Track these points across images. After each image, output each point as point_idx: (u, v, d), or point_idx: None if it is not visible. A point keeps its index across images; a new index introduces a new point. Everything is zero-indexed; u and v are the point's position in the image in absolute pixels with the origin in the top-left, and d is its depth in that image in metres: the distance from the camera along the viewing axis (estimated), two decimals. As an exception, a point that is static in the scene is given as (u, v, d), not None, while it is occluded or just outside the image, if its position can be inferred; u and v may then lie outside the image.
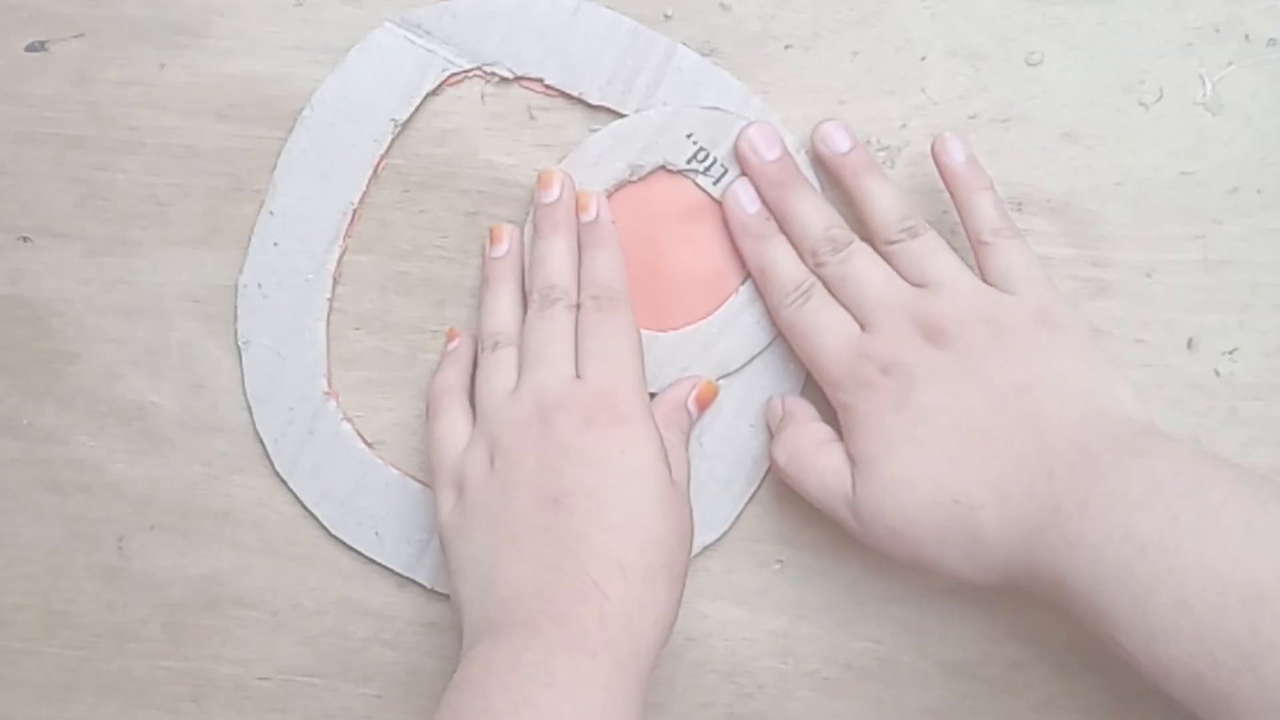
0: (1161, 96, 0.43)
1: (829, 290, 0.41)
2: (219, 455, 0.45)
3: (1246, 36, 0.43)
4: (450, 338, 0.44)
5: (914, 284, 0.40)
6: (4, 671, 0.46)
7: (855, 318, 0.40)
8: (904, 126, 0.43)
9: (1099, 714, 0.44)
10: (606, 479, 0.38)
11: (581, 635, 0.35)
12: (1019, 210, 0.43)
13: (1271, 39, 0.43)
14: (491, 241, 0.43)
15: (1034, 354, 0.37)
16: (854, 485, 0.39)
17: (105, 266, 0.45)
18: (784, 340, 0.43)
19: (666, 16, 0.43)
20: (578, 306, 0.42)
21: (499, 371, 0.41)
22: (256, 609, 0.45)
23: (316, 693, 0.45)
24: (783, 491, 0.44)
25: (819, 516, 0.44)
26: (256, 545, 0.45)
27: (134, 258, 0.45)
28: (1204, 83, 0.43)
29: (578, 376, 0.40)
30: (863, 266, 0.40)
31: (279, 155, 0.44)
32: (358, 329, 0.45)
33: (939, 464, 0.37)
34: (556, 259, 0.42)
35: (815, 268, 0.41)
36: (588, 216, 0.43)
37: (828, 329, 0.40)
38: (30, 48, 0.45)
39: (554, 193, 0.42)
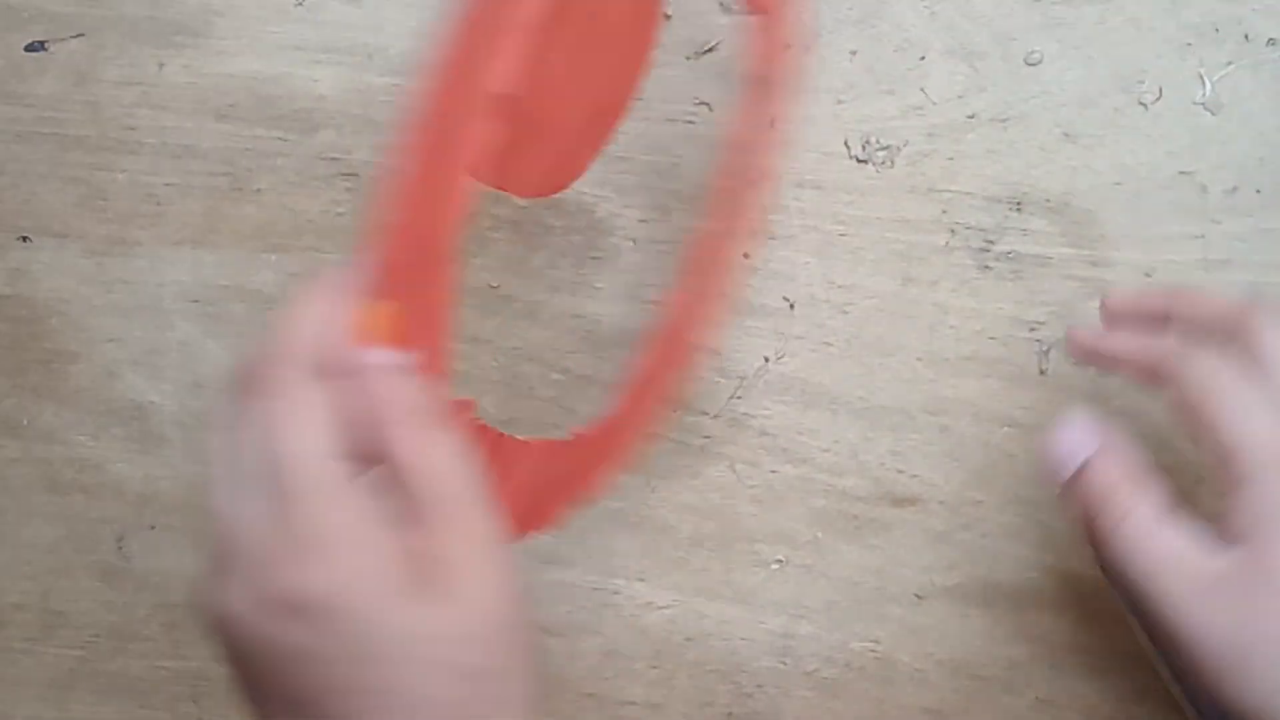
0: (1161, 96, 0.43)
1: None
2: (218, 455, 0.45)
3: (1246, 36, 0.43)
4: None
5: None
6: (3, 671, 0.46)
7: None
8: (903, 126, 0.44)
9: (1097, 714, 0.44)
10: None
11: None
12: (1018, 210, 0.43)
13: (1271, 39, 0.43)
14: None
15: None
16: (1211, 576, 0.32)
17: (104, 266, 0.45)
18: None
19: (667, 16, 0.44)
20: None
21: None
22: (256, 609, 0.45)
23: (316, 692, 0.45)
24: (782, 491, 0.44)
25: (818, 515, 0.44)
26: (256, 545, 0.45)
27: (133, 257, 0.45)
28: (1203, 82, 0.43)
29: None
30: None
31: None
32: (357, 329, 0.45)
33: None
34: None
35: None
36: None
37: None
38: (30, 47, 0.45)
39: None
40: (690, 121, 0.44)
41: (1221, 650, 0.32)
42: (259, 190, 0.45)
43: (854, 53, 0.44)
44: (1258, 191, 0.43)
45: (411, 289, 0.32)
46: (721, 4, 0.44)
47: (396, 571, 0.28)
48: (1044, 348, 0.43)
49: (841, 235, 0.44)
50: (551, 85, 0.38)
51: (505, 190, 0.41)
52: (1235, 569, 0.32)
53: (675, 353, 0.39)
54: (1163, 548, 0.33)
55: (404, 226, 0.33)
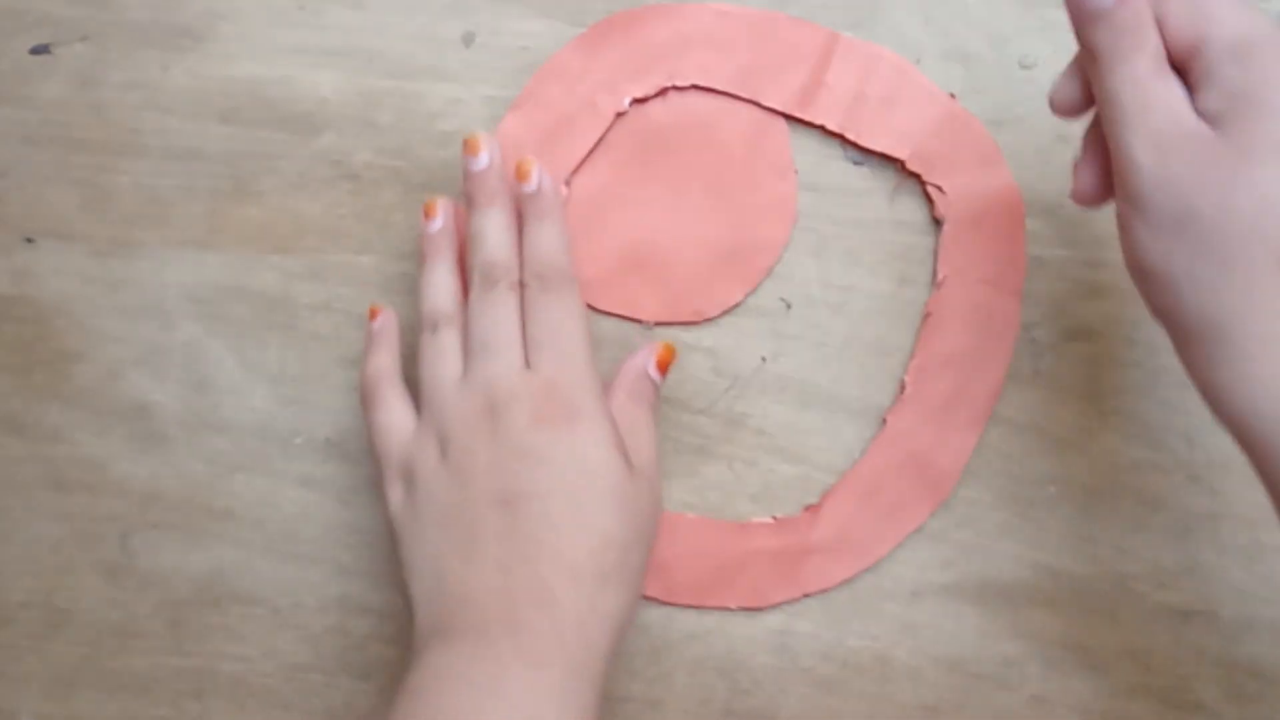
0: (1154, 99, 0.43)
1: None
2: (221, 454, 0.45)
3: (1238, 39, 0.43)
4: (372, 316, 0.43)
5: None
6: (8, 668, 0.46)
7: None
8: (899, 128, 0.44)
9: (1092, 710, 0.44)
10: (558, 480, 0.37)
11: (534, 643, 0.35)
12: (1013, 211, 0.44)
13: (1263, 42, 0.43)
14: (425, 216, 0.42)
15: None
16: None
17: (109, 267, 0.46)
18: None
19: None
20: (521, 284, 0.40)
21: (443, 357, 0.40)
22: (259, 606, 0.45)
23: (318, 689, 0.45)
24: (779, 489, 0.44)
25: (815, 514, 0.44)
26: (259, 543, 0.45)
27: (137, 258, 0.45)
28: (1196, 85, 0.43)
29: (527, 364, 0.39)
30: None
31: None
32: (359, 329, 0.45)
33: None
34: (494, 234, 0.40)
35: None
36: (529, 187, 0.40)
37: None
38: (35, 51, 0.45)
39: (483, 159, 0.41)
40: (688, 124, 0.44)
41: (1179, 214, 0.31)
42: (261, 192, 0.45)
43: (850, 56, 0.44)
44: (1250, 193, 0.43)
45: None
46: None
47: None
48: (1039, 348, 0.44)
49: (838, 236, 0.44)
50: (669, 226, 0.44)
51: (628, 314, 0.44)
52: (1213, 137, 0.31)
53: (897, 460, 0.43)
54: (1156, 92, 0.32)
55: None
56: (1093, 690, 0.44)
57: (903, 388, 0.44)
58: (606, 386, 0.41)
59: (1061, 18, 0.43)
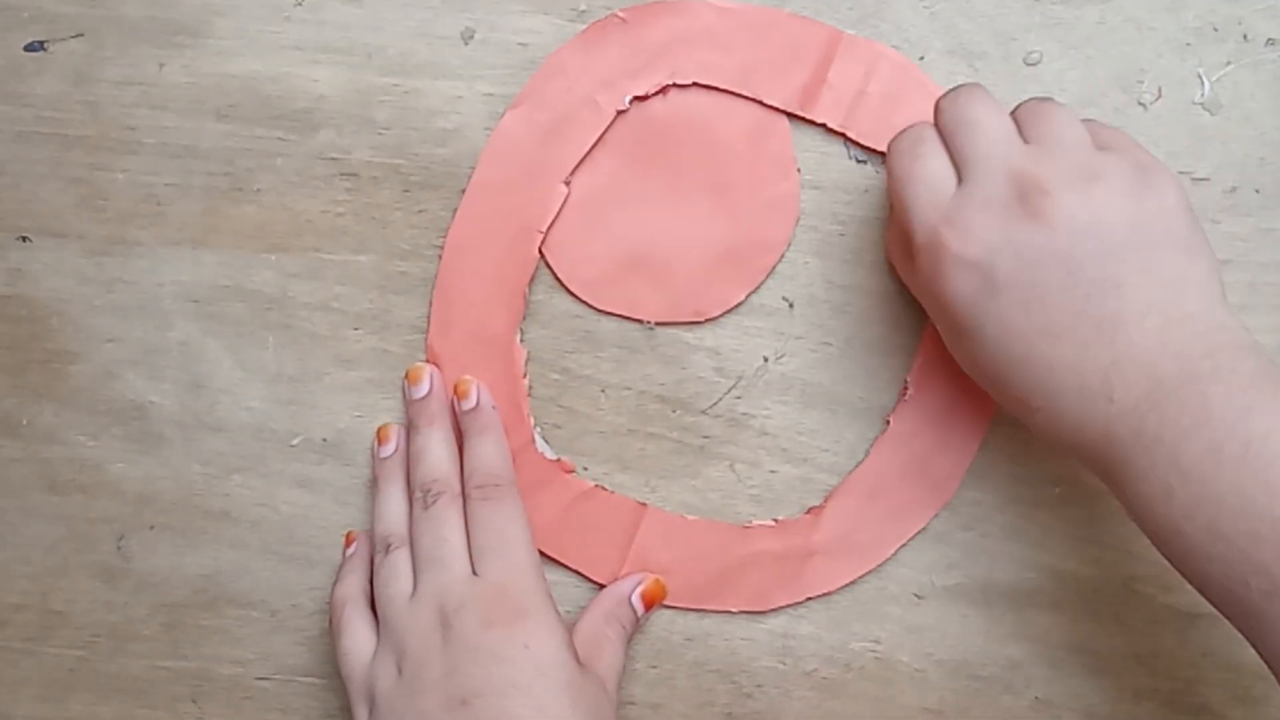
0: (1160, 96, 0.43)
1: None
2: (218, 455, 0.45)
3: (1245, 36, 0.43)
4: (348, 542, 0.44)
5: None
6: (3, 671, 0.46)
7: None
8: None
9: (1097, 714, 0.44)
10: (513, 676, 0.38)
11: None
12: (1017, 210, 0.43)
13: (1270, 38, 0.43)
14: (379, 441, 0.44)
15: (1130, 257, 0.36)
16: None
17: (104, 266, 0.45)
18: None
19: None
20: (462, 496, 0.42)
21: (395, 577, 0.41)
22: (256, 609, 0.45)
23: (315, 693, 0.45)
24: (781, 490, 0.44)
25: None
26: (255, 545, 0.45)
27: (133, 257, 0.45)
28: (1202, 82, 0.43)
29: (474, 572, 0.40)
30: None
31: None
32: (357, 329, 0.45)
33: (1004, 368, 0.37)
34: (434, 451, 0.43)
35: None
36: (468, 404, 0.43)
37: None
38: (29, 47, 0.45)
39: (424, 387, 0.43)
40: (690, 121, 0.44)
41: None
42: (259, 190, 0.45)
43: (853, 53, 0.43)
44: (1257, 191, 0.43)
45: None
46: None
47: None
48: (1043, 348, 0.43)
49: (841, 235, 0.44)
50: (671, 225, 0.44)
51: (628, 314, 0.44)
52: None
53: (899, 464, 0.43)
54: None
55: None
56: (1098, 693, 0.44)
57: (906, 388, 0.43)
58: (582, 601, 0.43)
59: (1067, 14, 0.43)
